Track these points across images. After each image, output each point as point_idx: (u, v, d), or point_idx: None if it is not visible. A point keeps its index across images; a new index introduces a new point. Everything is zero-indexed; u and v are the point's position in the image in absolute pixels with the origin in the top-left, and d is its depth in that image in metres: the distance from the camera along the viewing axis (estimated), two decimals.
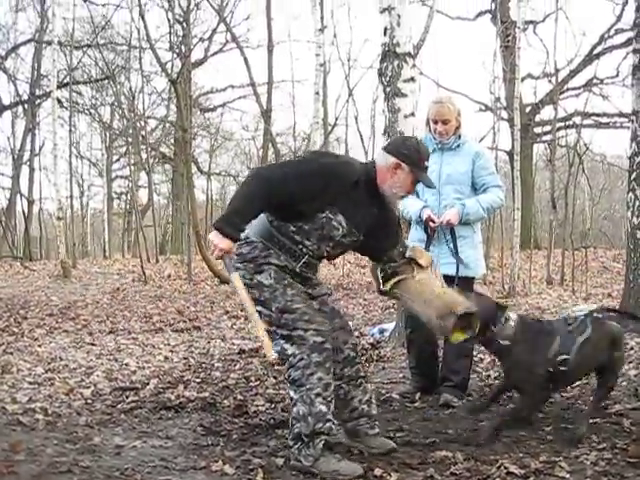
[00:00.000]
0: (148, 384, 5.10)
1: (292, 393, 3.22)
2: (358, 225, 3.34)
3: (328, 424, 3.14)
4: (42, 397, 4.63)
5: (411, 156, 3.33)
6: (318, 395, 3.13)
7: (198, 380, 5.27)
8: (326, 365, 3.17)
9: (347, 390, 3.43)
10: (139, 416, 4.22)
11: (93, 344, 6.92)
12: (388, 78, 6.01)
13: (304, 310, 3.23)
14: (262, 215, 3.27)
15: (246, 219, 3.16)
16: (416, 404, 4.35)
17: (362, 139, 23.32)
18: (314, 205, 3.23)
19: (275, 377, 5.22)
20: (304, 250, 3.30)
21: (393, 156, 3.35)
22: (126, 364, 5.86)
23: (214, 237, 3.11)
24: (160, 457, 3.38)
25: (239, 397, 4.61)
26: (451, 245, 4.34)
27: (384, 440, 3.46)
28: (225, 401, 4.50)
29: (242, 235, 3.21)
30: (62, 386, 4.95)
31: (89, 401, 4.58)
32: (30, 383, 5.07)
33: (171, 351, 6.58)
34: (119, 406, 4.45)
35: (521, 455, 3.23)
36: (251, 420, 4.03)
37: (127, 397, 4.69)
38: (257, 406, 4.34)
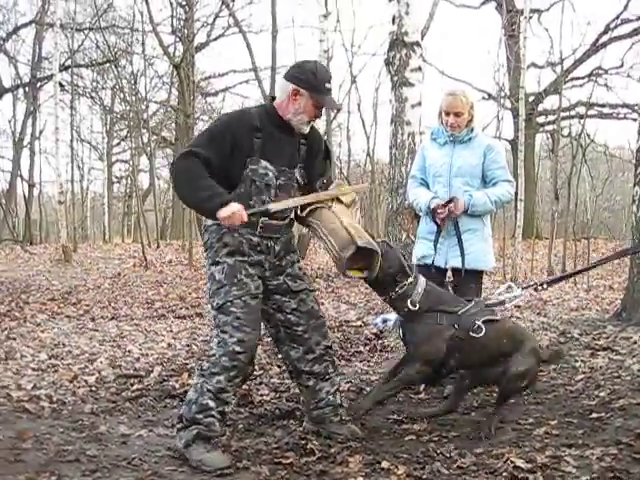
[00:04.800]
0: (152, 372, 5.10)
1: (194, 377, 3.39)
2: (284, 162, 3.36)
3: (209, 419, 3.23)
4: (46, 384, 4.64)
5: (308, 80, 3.31)
6: (210, 391, 3.24)
7: None
8: (231, 373, 3.24)
9: (315, 383, 3.54)
10: (144, 404, 4.24)
11: (96, 330, 6.91)
12: (396, 67, 5.99)
13: (238, 315, 3.25)
14: None
15: (214, 184, 3.19)
16: (420, 395, 4.35)
17: (364, 126, 23.21)
18: (236, 163, 3.26)
19: (279, 366, 5.21)
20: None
21: (291, 83, 3.34)
22: (129, 351, 5.86)
23: (224, 214, 3.11)
24: (167, 447, 3.40)
25: (243, 386, 4.60)
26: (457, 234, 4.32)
27: (351, 427, 3.55)
28: None
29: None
30: (66, 373, 4.95)
31: (93, 388, 4.59)
32: (34, 369, 5.07)
33: (174, 338, 6.58)
34: (124, 394, 4.46)
35: (527, 450, 3.22)
36: (256, 410, 4.05)
37: (132, 385, 4.69)
38: (262, 395, 4.35)
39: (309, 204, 3.42)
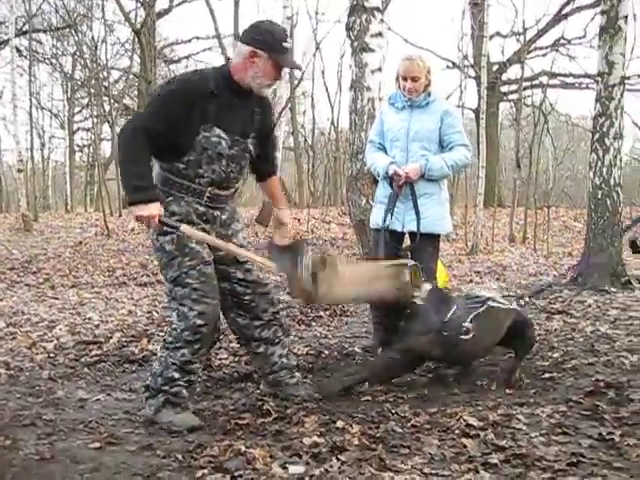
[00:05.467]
0: (111, 338, 5.09)
1: (158, 349, 3.35)
2: (238, 131, 3.28)
3: (176, 389, 3.23)
4: (4, 351, 4.61)
5: (266, 40, 3.20)
6: (174, 364, 3.22)
7: (162, 334, 5.25)
8: (195, 346, 3.22)
9: (266, 348, 3.54)
10: (102, 370, 4.24)
11: (55, 298, 6.86)
12: (356, 32, 5.95)
13: (195, 286, 3.20)
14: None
15: (149, 175, 3.14)
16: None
17: (328, 94, 23.25)
18: (188, 130, 3.16)
19: None
20: (202, 182, 3.25)
21: (247, 45, 3.22)
22: (89, 318, 5.83)
23: (140, 211, 3.06)
24: (124, 410, 3.41)
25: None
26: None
27: (307, 388, 3.61)
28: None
29: None
30: (24, 340, 4.92)
31: (52, 355, 4.57)
32: None
33: (135, 305, 6.56)
34: (82, 360, 4.45)
35: (480, 408, 3.29)
36: (215, 373, 4.06)
37: (90, 351, 4.68)
38: (221, 360, 4.37)
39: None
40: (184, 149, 3.19)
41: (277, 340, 3.56)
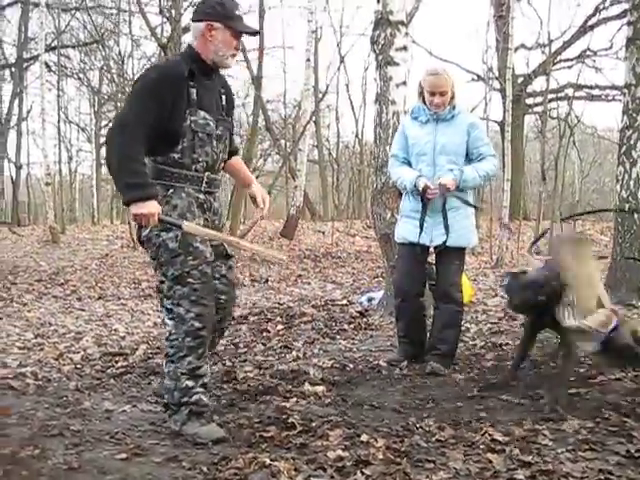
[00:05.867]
0: (137, 349, 5.14)
1: (164, 365, 3.31)
2: (216, 111, 3.32)
3: (195, 397, 3.20)
4: (32, 362, 4.67)
5: (217, 12, 3.21)
6: (184, 374, 3.19)
7: None
8: (199, 350, 3.20)
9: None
10: (128, 381, 4.27)
11: (82, 310, 6.94)
12: (380, 46, 5.97)
13: (195, 287, 3.17)
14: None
15: (144, 172, 3.08)
16: (404, 371, 4.40)
17: (353, 107, 23.35)
18: (176, 116, 3.15)
19: (264, 344, 5.27)
20: (199, 167, 3.25)
21: (201, 21, 3.25)
22: (115, 330, 5.89)
23: (139, 210, 3.01)
24: (150, 421, 3.42)
25: (228, 363, 4.65)
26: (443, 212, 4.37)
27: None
28: (214, 367, 4.53)
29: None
30: (52, 351, 4.98)
31: (79, 366, 4.62)
32: (20, 348, 5.10)
33: (159, 317, 6.60)
34: (108, 371, 4.49)
35: (506, 424, 3.27)
36: (239, 386, 4.07)
37: (116, 362, 4.72)
38: (245, 372, 4.38)
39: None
40: (176, 137, 3.18)
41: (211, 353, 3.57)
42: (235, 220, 16.14)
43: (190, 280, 3.16)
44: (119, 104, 22.01)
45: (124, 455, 2.91)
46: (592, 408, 3.47)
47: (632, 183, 6.52)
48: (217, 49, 3.24)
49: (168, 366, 3.24)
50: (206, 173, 3.28)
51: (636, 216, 6.50)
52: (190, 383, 3.21)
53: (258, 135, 22.89)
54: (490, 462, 2.76)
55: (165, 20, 22.01)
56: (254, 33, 3.46)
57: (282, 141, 23.32)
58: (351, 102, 23.90)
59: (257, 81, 17.94)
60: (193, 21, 3.30)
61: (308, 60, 16.90)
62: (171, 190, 3.20)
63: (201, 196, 3.28)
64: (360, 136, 23.42)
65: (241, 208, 19.64)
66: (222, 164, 3.45)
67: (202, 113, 3.22)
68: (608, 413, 3.36)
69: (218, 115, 3.33)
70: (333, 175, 26.31)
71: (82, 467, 2.76)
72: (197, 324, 3.17)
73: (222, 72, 3.46)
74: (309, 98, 17.58)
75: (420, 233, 4.38)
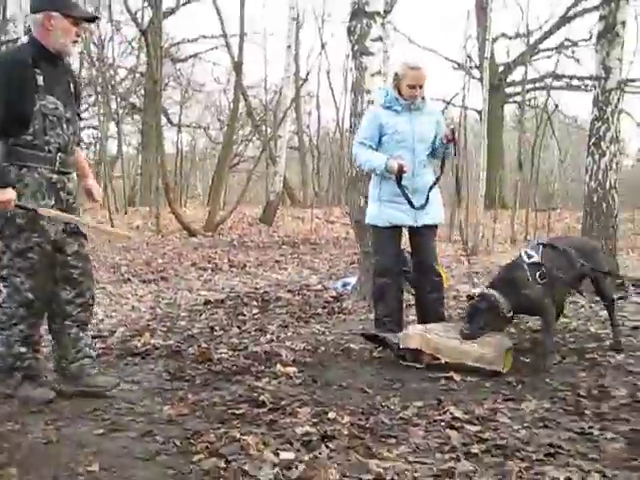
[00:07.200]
0: (115, 332, 5.24)
1: None
2: (65, 97, 3.45)
3: (27, 362, 3.46)
4: None
5: (54, 1, 3.36)
6: (17, 341, 3.42)
7: (164, 329, 5.41)
8: (30, 320, 3.43)
9: (77, 332, 3.63)
10: (107, 362, 4.37)
11: None
12: (356, 36, 6.07)
13: (34, 262, 3.38)
14: None
15: (5, 169, 3.27)
16: (374, 354, 4.52)
17: (333, 94, 23.31)
18: (26, 99, 3.30)
19: (239, 327, 5.38)
20: (51, 149, 3.40)
21: (39, 12, 3.38)
22: (94, 313, 5.96)
23: None
24: (126, 400, 3.54)
25: (203, 345, 4.76)
26: (426, 194, 4.56)
27: (107, 378, 3.74)
28: (190, 349, 4.65)
29: None
30: None
31: None
32: None
33: (138, 301, 6.71)
34: None
35: (468, 402, 3.42)
36: (214, 367, 4.19)
37: (95, 344, 4.79)
38: (220, 354, 4.49)
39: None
40: (27, 119, 3.31)
41: (86, 327, 3.67)
42: (214, 204, 16.21)
43: (31, 255, 3.37)
44: (99, 89, 21.94)
45: (101, 430, 3.04)
46: (551, 389, 3.64)
47: (600, 174, 6.71)
48: (58, 38, 3.38)
49: (1, 333, 3.43)
50: (59, 154, 3.43)
51: (604, 205, 6.69)
52: (23, 349, 3.43)
53: (239, 121, 22.91)
54: (449, 438, 2.92)
55: (146, 4, 21.94)
56: (92, 19, 3.63)
57: (263, 127, 23.33)
58: (331, 89, 23.88)
59: (238, 67, 17.92)
60: (31, 13, 3.41)
61: (289, 47, 16.93)
62: (24, 169, 3.35)
63: (54, 176, 3.43)
64: (341, 123, 23.50)
65: (221, 194, 19.71)
66: (74, 146, 3.59)
67: (51, 98, 3.37)
68: (565, 394, 3.52)
69: (66, 99, 3.46)
70: (313, 162, 26.37)
71: (60, 441, 2.90)
72: (30, 296, 3.39)
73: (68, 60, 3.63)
74: (290, 85, 17.62)
75: (405, 216, 4.53)
